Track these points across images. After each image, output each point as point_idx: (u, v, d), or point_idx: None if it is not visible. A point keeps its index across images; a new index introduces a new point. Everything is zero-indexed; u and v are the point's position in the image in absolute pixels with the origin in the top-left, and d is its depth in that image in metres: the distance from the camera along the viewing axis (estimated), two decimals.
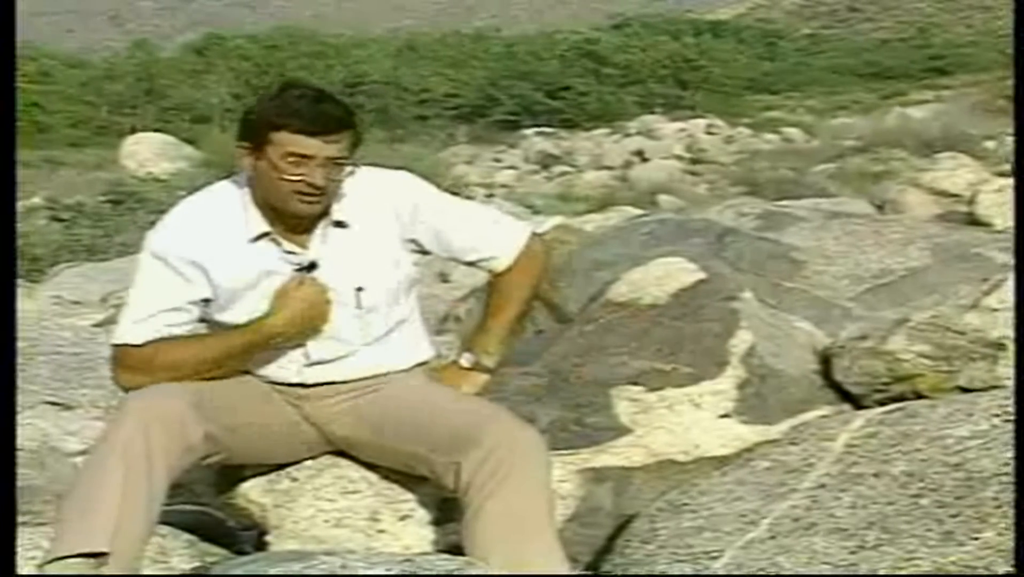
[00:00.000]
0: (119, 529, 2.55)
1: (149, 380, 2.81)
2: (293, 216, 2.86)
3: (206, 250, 2.86)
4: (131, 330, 2.87)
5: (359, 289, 2.92)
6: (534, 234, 3.15)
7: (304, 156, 2.77)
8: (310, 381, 2.94)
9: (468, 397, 2.99)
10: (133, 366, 2.86)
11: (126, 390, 2.86)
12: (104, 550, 2.52)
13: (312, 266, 2.90)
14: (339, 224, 2.91)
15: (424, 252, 3.04)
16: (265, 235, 2.88)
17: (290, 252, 2.89)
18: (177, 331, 2.88)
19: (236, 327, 2.86)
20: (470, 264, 3.10)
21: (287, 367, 2.93)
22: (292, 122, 2.76)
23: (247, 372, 2.97)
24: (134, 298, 2.90)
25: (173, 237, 2.89)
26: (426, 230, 2.99)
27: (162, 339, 2.86)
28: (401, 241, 2.98)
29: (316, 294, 2.85)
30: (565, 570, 2.68)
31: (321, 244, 2.91)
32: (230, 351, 2.85)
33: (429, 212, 2.99)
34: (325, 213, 2.89)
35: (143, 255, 2.91)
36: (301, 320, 2.84)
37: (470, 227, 3.05)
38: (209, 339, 2.90)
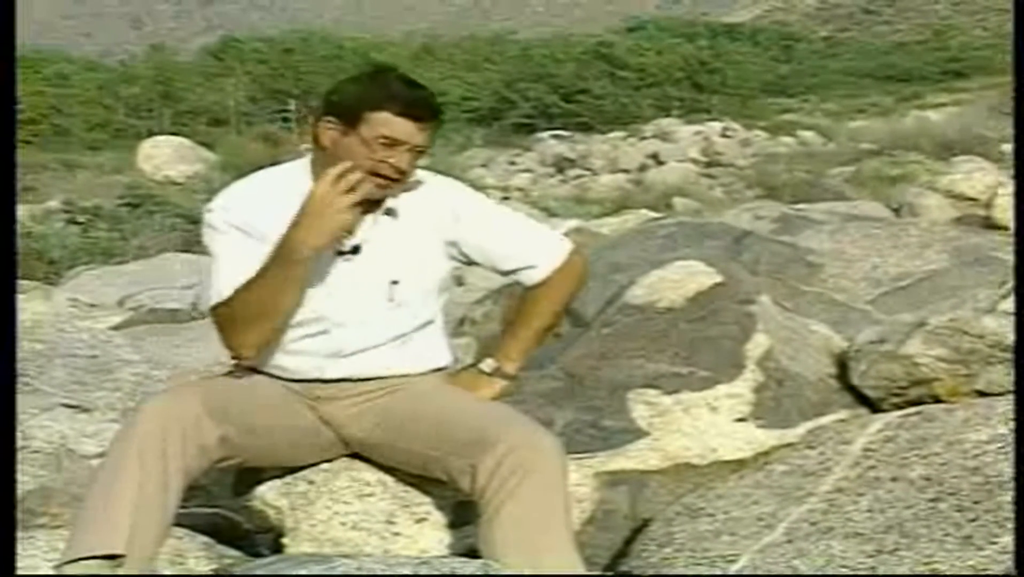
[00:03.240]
0: (135, 530, 2.56)
1: (247, 332, 2.81)
2: (363, 196, 2.86)
3: (264, 223, 2.85)
4: (223, 288, 2.83)
5: (394, 282, 2.92)
6: (576, 249, 3.13)
7: (396, 140, 2.81)
8: (330, 376, 2.93)
9: (485, 401, 2.99)
10: (233, 321, 2.82)
11: (239, 357, 2.88)
12: (120, 552, 2.53)
13: (356, 250, 2.90)
14: (390, 212, 2.92)
15: (463, 261, 3.04)
16: None
17: None
18: None
19: (275, 257, 2.79)
20: (507, 273, 3.08)
21: (308, 361, 2.93)
22: (393, 105, 2.81)
23: (266, 374, 2.97)
24: (220, 264, 2.86)
25: (238, 206, 2.90)
26: (468, 235, 2.99)
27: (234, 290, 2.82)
28: (443, 243, 2.99)
29: (326, 192, 2.74)
30: (581, 573, 2.68)
31: (369, 230, 2.92)
32: (275, 274, 2.77)
33: (473, 218, 2.99)
34: (378, 201, 2.91)
35: (214, 226, 2.89)
36: (317, 219, 2.73)
37: (512, 236, 3.04)
38: (263, 277, 2.79)
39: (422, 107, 2.85)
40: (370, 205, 2.91)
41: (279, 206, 2.87)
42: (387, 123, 2.81)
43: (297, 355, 2.93)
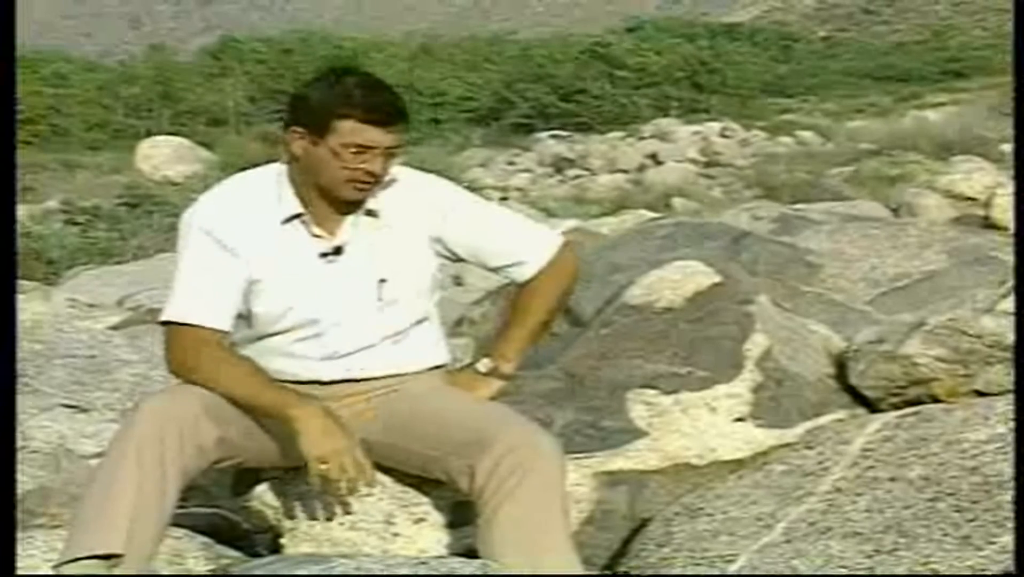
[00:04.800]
0: (133, 530, 2.56)
1: (193, 373, 2.80)
2: (341, 201, 2.88)
3: (242, 229, 2.87)
4: (187, 308, 2.82)
5: (382, 281, 2.92)
6: (567, 244, 3.12)
7: (366, 147, 2.81)
8: (326, 377, 2.94)
9: (483, 401, 2.99)
10: (187, 348, 2.81)
11: (175, 374, 2.85)
12: (118, 552, 2.54)
13: (337, 251, 2.91)
14: (370, 213, 2.92)
15: (451, 257, 3.02)
16: (297, 216, 2.89)
17: (318, 236, 2.90)
18: (230, 310, 2.85)
19: (278, 386, 2.82)
20: (496, 270, 3.07)
21: (304, 364, 2.93)
22: (357, 112, 2.80)
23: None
24: (186, 275, 2.86)
25: (215, 213, 2.90)
26: (456, 232, 2.98)
27: (222, 337, 2.83)
28: (429, 240, 2.98)
29: (343, 439, 2.72)
30: (580, 573, 2.68)
31: (350, 232, 2.92)
32: (257, 400, 2.78)
33: (461, 215, 2.99)
34: (358, 202, 2.91)
35: (189, 232, 2.89)
36: (321, 431, 2.70)
37: (500, 232, 3.03)
38: (250, 376, 2.82)
39: (387, 111, 2.84)
40: (349, 207, 2.91)
41: (252, 218, 2.88)
42: (354, 131, 2.80)
43: (293, 358, 2.93)
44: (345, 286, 2.90)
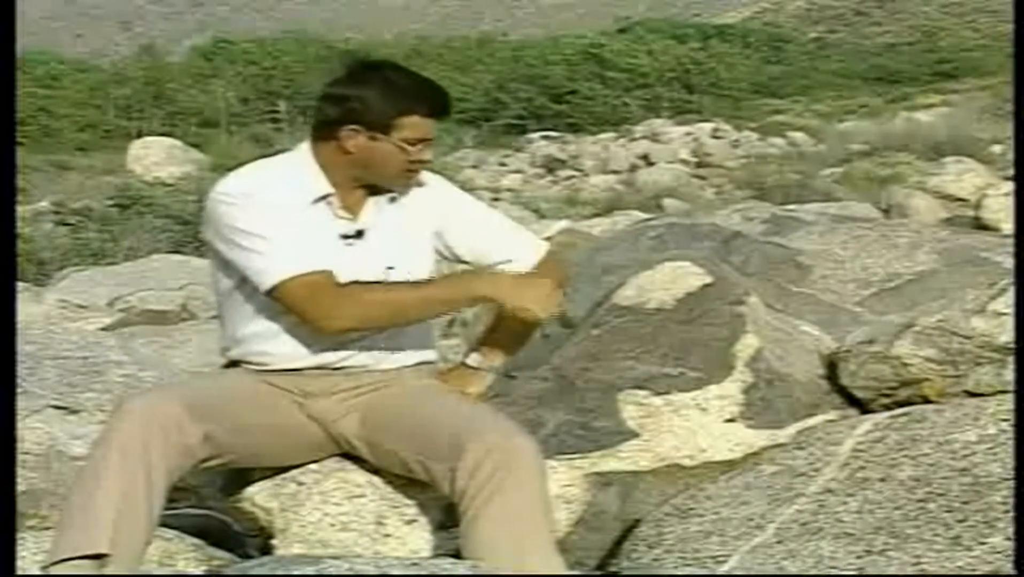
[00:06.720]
0: (119, 530, 2.56)
1: (343, 320, 2.84)
2: (387, 189, 3.00)
3: (276, 200, 2.89)
4: (288, 263, 2.82)
5: (389, 268, 2.96)
6: (553, 251, 3.23)
7: (426, 138, 2.96)
8: (333, 363, 2.95)
9: (467, 403, 2.99)
10: (317, 297, 2.81)
11: (323, 330, 2.86)
12: (105, 551, 2.53)
13: (359, 234, 2.96)
14: (394, 199, 3.02)
15: (447, 255, 3.11)
16: (325, 197, 2.94)
17: (342, 218, 2.96)
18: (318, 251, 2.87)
19: (432, 282, 2.96)
20: (490, 267, 3.11)
21: (302, 349, 2.93)
22: (422, 108, 2.95)
23: (254, 365, 2.97)
24: (262, 235, 2.84)
25: (250, 183, 2.93)
26: (454, 228, 3.09)
27: (333, 275, 2.84)
28: (431, 235, 3.08)
29: (536, 283, 2.93)
30: (564, 573, 2.68)
31: (373, 216, 2.99)
32: (432, 302, 2.93)
33: (462, 216, 3.11)
34: (379, 189, 3.00)
35: (243, 206, 2.87)
36: (510, 288, 2.89)
37: (494, 231, 3.14)
38: (404, 289, 2.91)
39: (444, 104, 3.02)
40: (376, 191, 3.00)
41: (281, 194, 2.90)
42: (418, 126, 2.94)
43: (293, 341, 2.93)
44: (358, 269, 2.92)
